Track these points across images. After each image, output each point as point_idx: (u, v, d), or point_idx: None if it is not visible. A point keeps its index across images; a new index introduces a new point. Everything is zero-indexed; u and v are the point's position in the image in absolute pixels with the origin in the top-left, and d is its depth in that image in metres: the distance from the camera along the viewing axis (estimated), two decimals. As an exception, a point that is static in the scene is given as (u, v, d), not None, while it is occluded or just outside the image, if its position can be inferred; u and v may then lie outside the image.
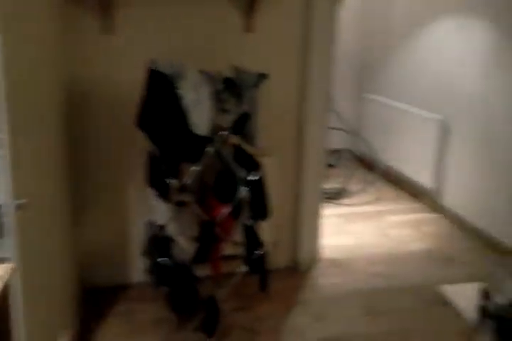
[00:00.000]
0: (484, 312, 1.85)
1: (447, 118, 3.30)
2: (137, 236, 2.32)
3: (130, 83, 2.10)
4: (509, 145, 2.79)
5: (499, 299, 1.77)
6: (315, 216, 2.67)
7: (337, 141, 3.84)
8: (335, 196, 3.60)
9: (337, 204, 3.52)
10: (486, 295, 1.87)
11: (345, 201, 3.58)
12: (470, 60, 3.06)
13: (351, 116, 4.17)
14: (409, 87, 3.71)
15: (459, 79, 3.17)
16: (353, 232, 3.14)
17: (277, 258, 2.52)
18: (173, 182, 1.83)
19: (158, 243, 1.94)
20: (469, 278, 2.52)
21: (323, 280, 2.60)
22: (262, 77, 1.93)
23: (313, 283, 2.58)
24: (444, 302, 2.37)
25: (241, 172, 1.94)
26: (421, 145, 3.51)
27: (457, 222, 3.20)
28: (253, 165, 1.99)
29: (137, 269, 2.38)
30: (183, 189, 1.83)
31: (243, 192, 1.94)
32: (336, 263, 2.76)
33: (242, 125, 1.93)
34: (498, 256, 2.77)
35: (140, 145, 2.07)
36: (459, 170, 3.24)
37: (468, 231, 3.09)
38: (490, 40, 2.89)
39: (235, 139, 1.96)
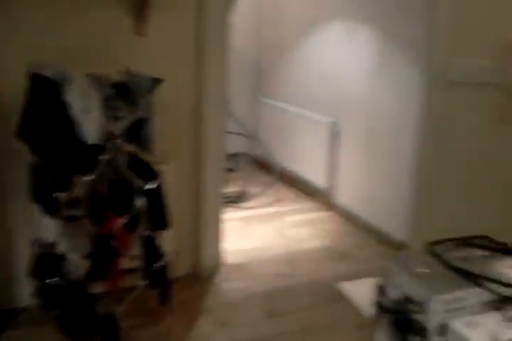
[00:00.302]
0: (381, 307, 1.93)
1: (338, 120, 3.43)
2: (24, 256, 2.13)
3: (10, 88, 1.92)
4: (395, 144, 2.97)
5: (393, 294, 1.86)
6: (216, 221, 2.65)
7: (235, 144, 3.86)
8: (235, 200, 3.60)
9: (238, 207, 3.53)
10: (381, 290, 1.95)
11: (246, 204, 3.59)
12: (357, 61, 3.20)
13: (248, 120, 4.20)
14: (302, 89, 3.82)
15: (347, 81, 3.31)
16: (254, 235, 3.16)
17: (179, 266, 2.45)
18: (61, 195, 1.70)
19: (47, 262, 1.80)
20: (365, 274, 2.63)
21: (227, 286, 2.58)
22: (157, 81, 1.87)
23: (217, 289, 2.55)
24: (343, 299, 2.46)
25: (137, 182, 1.86)
26: (314, 146, 3.62)
27: (350, 219, 3.35)
28: (150, 173, 1.91)
29: (24, 292, 2.19)
30: (73, 202, 1.71)
31: (140, 202, 1.86)
32: (238, 268, 2.75)
33: (137, 132, 1.84)
34: (390, 250, 2.93)
35: (25, 156, 1.90)
36: (349, 169, 3.39)
37: (361, 228, 3.24)
38: (376, 42, 3.04)
39: (129, 147, 1.87)
